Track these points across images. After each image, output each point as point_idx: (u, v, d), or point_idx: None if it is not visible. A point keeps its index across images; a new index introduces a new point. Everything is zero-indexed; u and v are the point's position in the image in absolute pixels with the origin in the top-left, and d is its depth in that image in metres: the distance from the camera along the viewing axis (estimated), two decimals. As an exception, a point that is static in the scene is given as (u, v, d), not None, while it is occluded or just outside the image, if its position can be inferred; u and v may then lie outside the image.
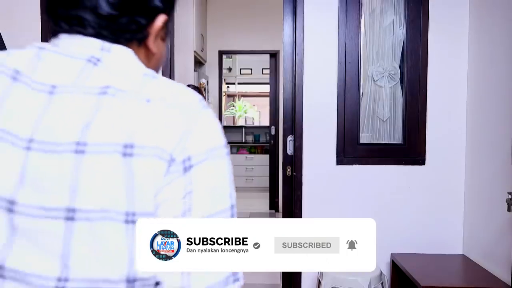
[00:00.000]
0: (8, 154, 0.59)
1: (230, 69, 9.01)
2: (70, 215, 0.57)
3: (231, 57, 8.91)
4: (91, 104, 0.59)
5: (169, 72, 2.78)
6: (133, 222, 0.58)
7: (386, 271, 2.75)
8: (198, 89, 4.69)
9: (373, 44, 2.80)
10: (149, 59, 0.70)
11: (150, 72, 0.65)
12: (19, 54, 0.65)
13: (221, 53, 6.29)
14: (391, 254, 2.72)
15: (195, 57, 5.30)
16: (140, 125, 0.59)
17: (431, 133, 2.75)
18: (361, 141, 2.78)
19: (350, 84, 2.74)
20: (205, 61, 6.08)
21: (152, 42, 0.69)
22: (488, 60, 2.50)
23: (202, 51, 5.71)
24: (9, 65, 0.63)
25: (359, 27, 2.73)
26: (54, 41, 0.66)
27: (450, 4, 2.71)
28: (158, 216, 0.60)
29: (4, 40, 2.23)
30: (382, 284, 2.50)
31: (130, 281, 0.59)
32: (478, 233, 2.59)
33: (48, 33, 2.75)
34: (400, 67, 2.78)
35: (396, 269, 2.66)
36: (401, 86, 2.78)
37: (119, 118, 0.59)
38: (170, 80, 0.66)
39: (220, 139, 0.63)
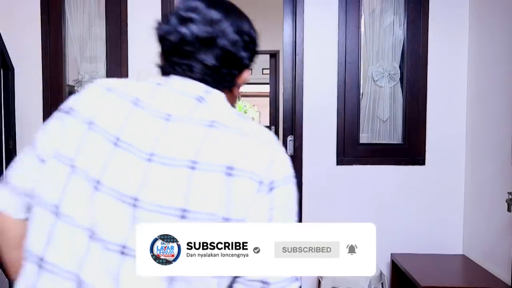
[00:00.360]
0: (132, 162, 0.76)
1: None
2: (183, 214, 0.73)
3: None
4: (201, 132, 0.77)
5: (169, 72, 2.78)
6: None
7: (386, 271, 2.75)
8: None
9: (373, 44, 2.79)
10: (231, 101, 0.89)
11: (239, 112, 0.86)
12: (137, 85, 0.84)
13: (221, 53, 6.28)
14: (391, 254, 2.72)
15: (195, 57, 5.30)
16: (238, 153, 0.76)
17: (431, 133, 2.74)
18: (361, 141, 2.78)
19: (350, 84, 2.74)
20: (205, 61, 6.07)
21: (237, 89, 0.91)
22: (488, 60, 2.50)
23: (202, 51, 5.70)
24: (129, 93, 0.82)
25: (359, 27, 2.73)
26: (167, 80, 0.84)
27: (450, 4, 2.71)
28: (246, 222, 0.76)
29: (4, 40, 2.23)
30: (382, 284, 2.50)
31: None
32: (478, 233, 2.59)
33: (48, 33, 2.75)
34: (400, 67, 2.78)
35: (396, 269, 2.66)
36: (401, 86, 2.78)
37: (223, 146, 0.77)
38: (252, 119, 0.86)
39: (291, 169, 0.83)
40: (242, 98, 9.64)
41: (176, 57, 0.84)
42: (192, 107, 0.80)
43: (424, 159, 2.75)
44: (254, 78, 9.23)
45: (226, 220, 0.74)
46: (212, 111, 0.80)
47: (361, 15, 2.74)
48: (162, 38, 0.85)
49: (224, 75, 0.85)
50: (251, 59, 0.88)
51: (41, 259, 0.76)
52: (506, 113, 2.26)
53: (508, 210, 1.99)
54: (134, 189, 0.75)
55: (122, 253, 0.74)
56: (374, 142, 2.81)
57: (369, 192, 2.76)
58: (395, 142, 2.80)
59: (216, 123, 0.78)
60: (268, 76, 6.98)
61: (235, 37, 0.83)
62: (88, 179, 0.76)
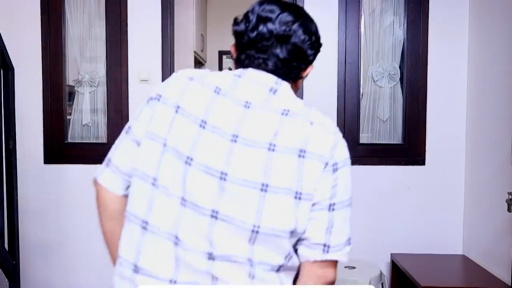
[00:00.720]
0: (218, 142, 0.91)
1: (230, 70, 9.01)
2: (264, 188, 0.88)
3: (231, 58, 8.91)
4: (277, 119, 0.92)
5: (169, 73, 2.78)
6: (300, 198, 0.90)
7: (386, 271, 2.75)
8: None
9: (373, 44, 2.80)
10: (295, 91, 1.02)
11: (305, 102, 1.00)
12: (216, 76, 1.00)
13: (221, 54, 6.29)
14: (391, 254, 2.72)
15: (195, 57, 5.29)
16: (308, 138, 0.91)
17: (431, 133, 2.75)
18: (361, 141, 2.78)
19: (350, 84, 2.74)
20: (205, 62, 6.07)
21: (300, 82, 1.07)
22: (488, 60, 2.50)
23: (202, 51, 5.70)
24: (210, 82, 0.97)
25: (359, 27, 2.73)
26: (244, 71, 0.99)
27: (450, 4, 2.71)
28: (314, 196, 0.91)
29: (4, 40, 2.23)
30: (382, 284, 2.50)
31: (292, 233, 0.90)
32: (478, 233, 2.59)
33: (48, 33, 2.75)
34: (400, 67, 2.78)
35: (396, 269, 2.66)
36: (401, 86, 2.78)
37: (296, 132, 0.91)
38: (316, 109, 0.99)
39: (348, 152, 0.97)
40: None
41: (254, 51, 0.99)
42: (266, 96, 0.95)
43: (424, 159, 2.75)
44: (254, 78, 9.23)
45: (299, 193, 0.90)
46: (283, 100, 0.96)
47: (361, 15, 2.74)
48: (242, 34, 1.01)
49: (293, 68, 1.00)
50: (315, 55, 1.05)
51: (145, 222, 0.93)
52: (506, 113, 2.26)
53: (508, 210, 1.99)
54: (221, 164, 0.90)
55: (212, 216, 0.89)
56: (374, 142, 2.82)
57: (369, 192, 2.76)
58: (395, 142, 2.80)
59: (290, 112, 0.94)
60: (268, 76, 6.97)
61: (304, 36, 0.99)
62: (179, 156, 0.91)
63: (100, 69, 2.83)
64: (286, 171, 0.89)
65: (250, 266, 0.90)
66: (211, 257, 0.89)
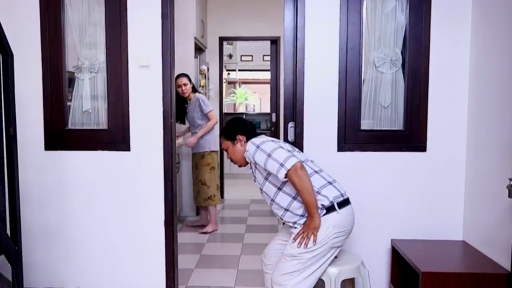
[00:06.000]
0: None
1: (230, 56, 8.95)
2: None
3: (231, 44, 8.84)
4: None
5: (169, 59, 2.76)
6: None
7: (387, 257, 2.77)
8: (188, 76, 4.61)
9: (375, 29, 2.77)
10: None
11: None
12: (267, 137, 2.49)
13: (221, 40, 6.25)
14: (392, 240, 2.73)
15: (195, 43, 5.26)
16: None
17: (432, 120, 2.74)
18: (362, 127, 2.77)
19: (352, 70, 2.72)
20: (206, 48, 6.03)
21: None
22: (490, 46, 2.48)
23: (202, 37, 5.66)
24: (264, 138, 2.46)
25: (361, 13, 2.71)
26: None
27: (453, -11, 2.68)
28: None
29: (3, 26, 2.21)
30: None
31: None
32: (478, 219, 2.59)
33: (47, 19, 2.73)
34: (402, 53, 2.75)
35: (397, 255, 2.68)
36: (403, 72, 2.76)
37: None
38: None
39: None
40: (243, 85, 9.60)
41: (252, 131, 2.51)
42: None
43: (425, 145, 2.75)
44: (255, 65, 9.18)
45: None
46: None
47: (362, 1, 2.71)
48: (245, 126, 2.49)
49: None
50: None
51: (317, 171, 2.35)
52: (507, 100, 2.25)
53: (509, 196, 1.98)
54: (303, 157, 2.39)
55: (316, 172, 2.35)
56: (375, 128, 2.80)
57: (370, 179, 2.76)
58: (396, 129, 2.79)
59: None
60: (269, 62, 6.94)
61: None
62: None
63: (100, 55, 2.82)
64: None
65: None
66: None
